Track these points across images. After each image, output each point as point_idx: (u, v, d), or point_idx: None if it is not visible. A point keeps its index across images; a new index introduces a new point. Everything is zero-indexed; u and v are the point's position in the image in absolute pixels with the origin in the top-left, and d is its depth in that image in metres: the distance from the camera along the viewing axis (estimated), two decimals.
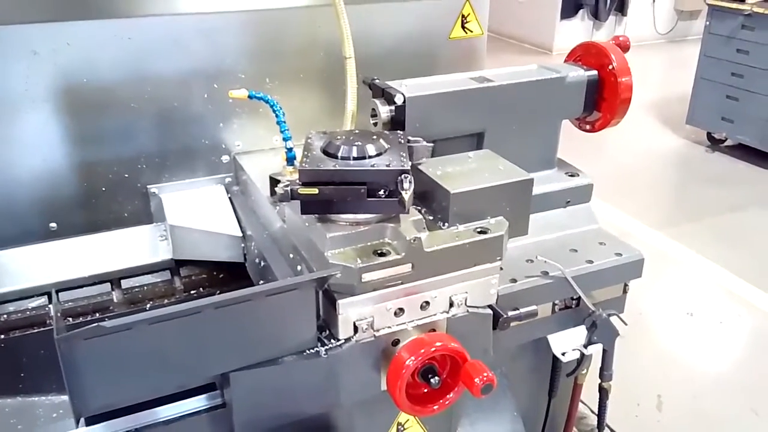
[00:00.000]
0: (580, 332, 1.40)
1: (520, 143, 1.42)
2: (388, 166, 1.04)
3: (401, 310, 1.07)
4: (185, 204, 1.50)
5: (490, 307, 1.16)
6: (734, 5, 4.54)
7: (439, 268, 1.07)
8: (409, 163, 1.07)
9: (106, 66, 1.41)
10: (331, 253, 1.03)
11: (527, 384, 1.54)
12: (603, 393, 1.58)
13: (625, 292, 1.44)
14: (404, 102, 1.27)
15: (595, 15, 7.83)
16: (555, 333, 1.38)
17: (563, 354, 1.38)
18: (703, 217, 4.04)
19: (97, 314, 1.36)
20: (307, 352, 1.03)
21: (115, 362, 0.91)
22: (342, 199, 1.03)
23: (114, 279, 1.45)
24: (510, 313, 1.20)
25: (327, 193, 1.02)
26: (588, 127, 1.54)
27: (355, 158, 1.06)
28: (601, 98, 1.48)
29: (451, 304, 1.11)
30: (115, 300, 1.43)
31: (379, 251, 1.04)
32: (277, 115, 1.30)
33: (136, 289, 1.49)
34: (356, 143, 1.08)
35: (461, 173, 1.17)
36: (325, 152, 1.08)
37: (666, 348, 2.86)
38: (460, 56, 1.75)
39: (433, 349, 1.04)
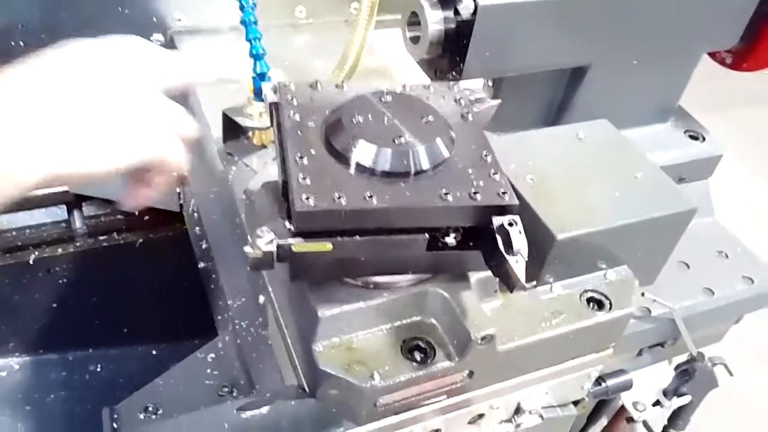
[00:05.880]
0: (659, 374, 0.98)
1: (635, 85, 0.88)
2: (474, 194, 0.51)
3: (437, 431, 0.61)
4: None
5: (574, 402, 0.71)
6: None
7: (514, 369, 0.60)
8: (508, 183, 0.53)
9: None
10: (323, 346, 0.54)
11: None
12: None
13: (736, 322, 1.00)
14: (475, 11, 0.71)
15: None
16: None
17: (636, 406, 0.97)
18: (726, 107, 3.53)
19: None
20: None
21: None
22: (376, 256, 0.52)
23: None
24: (594, 390, 0.76)
25: (350, 248, 0.50)
26: (730, 61, 1.00)
27: (409, 174, 0.52)
28: None
29: (517, 410, 0.66)
30: None
31: (413, 346, 0.56)
32: (243, 8, 0.73)
33: (13, 233, 1.02)
34: (402, 129, 0.53)
35: (565, 181, 0.65)
36: (332, 150, 0.53)
37: None
38: None
39: None
